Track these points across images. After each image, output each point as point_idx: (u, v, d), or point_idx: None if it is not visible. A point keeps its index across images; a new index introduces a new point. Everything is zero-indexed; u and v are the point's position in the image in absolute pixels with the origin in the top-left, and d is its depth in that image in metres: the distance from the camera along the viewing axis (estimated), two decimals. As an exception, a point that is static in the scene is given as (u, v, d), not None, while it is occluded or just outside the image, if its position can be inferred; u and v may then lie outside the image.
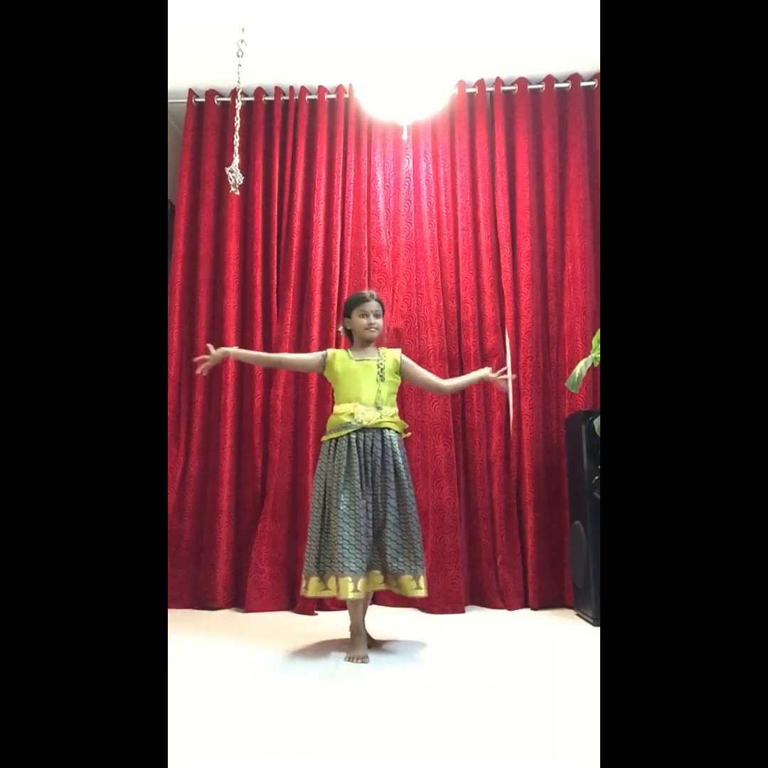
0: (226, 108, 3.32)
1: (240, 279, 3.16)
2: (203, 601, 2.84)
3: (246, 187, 3.17)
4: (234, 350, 2.33)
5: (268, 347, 3.09)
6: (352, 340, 2.31)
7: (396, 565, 2.04)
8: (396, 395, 2.28)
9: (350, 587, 1.96)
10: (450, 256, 3.11)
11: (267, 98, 3.31)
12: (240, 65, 2.23)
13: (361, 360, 2.22)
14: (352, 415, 2.13)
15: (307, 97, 3.28)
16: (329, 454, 2.14)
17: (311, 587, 2.09)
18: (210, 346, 2.29)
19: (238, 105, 2.31)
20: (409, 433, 2.35)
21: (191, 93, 3.30)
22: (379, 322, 2.27)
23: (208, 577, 2.85)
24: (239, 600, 2.85)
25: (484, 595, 2.83)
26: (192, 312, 3.16)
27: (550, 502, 2.91)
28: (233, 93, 3.28)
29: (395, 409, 2.23)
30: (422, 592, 2.05)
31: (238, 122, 2.26)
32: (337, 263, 3.11)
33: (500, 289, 3.08)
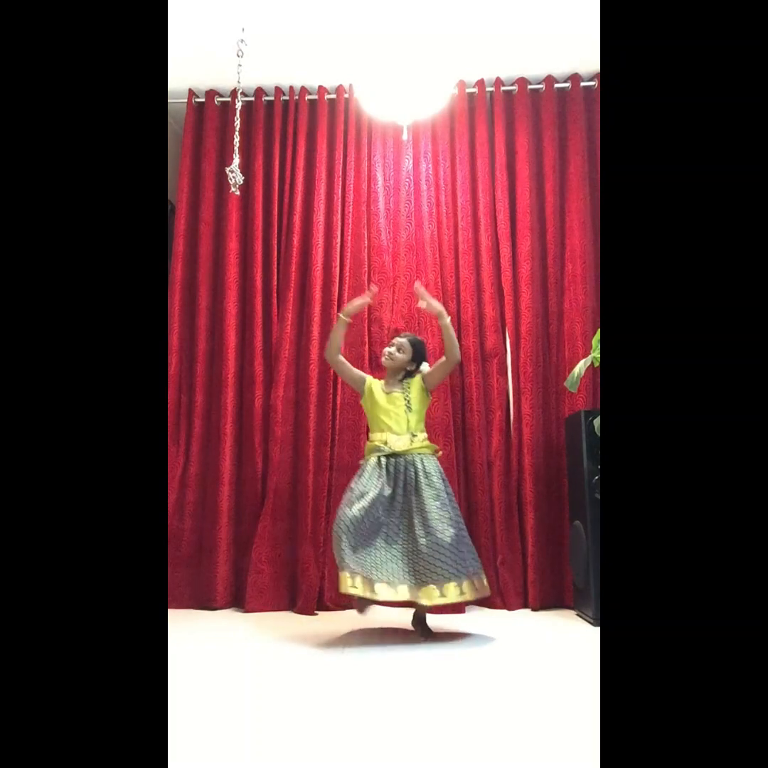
0: (226, 108, 3.32)
1: (240, 279, 3.16)
2: (203, 601, 2.84)
3: (246, 187, 3.17)
4: (343, 317, 2.50)
5: (268, 347, 3.10)
6: (386, 375, 2.54)
7: (440, 575, 2.17)
8: (424, 420, 2.49)
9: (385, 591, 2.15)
10: (450, 256, 3.11)
11: (267, 98, 3.31)
12: (240, 65, 2.23)
13: (390, 393, 2.47)
14: (385, 442, 2.39)
15: (307, 97, 3.28)
16: (361, 471, 2.37)
17: (359, 586, 2.17)
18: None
19: (238, 105, 2.30)
20: (440, 452, 2.52)
21: (191, 93, 3.30)
22: (400, 356, 2.48)
23: (208, 577, 2.85)
24: (239, 600, 2.85)
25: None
26: (192, 312, 3.16)
27: (550, 502, 2.91)
28: (233, 93, 3.28)
29: (424, 434, 2.46)
30: (459, 598, 2.20)
31: (238, 122, 2.26)
32: (337, 263, 3.11)
33: (500, 289, 3.08)
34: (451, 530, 2.23)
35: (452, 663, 1.94)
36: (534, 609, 2.76)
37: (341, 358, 2.52)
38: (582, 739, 1.29)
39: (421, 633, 2.26)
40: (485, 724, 1.40)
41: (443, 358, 2.46)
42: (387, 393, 2.46)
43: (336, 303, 3.06)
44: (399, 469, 2.33)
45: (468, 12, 2.75)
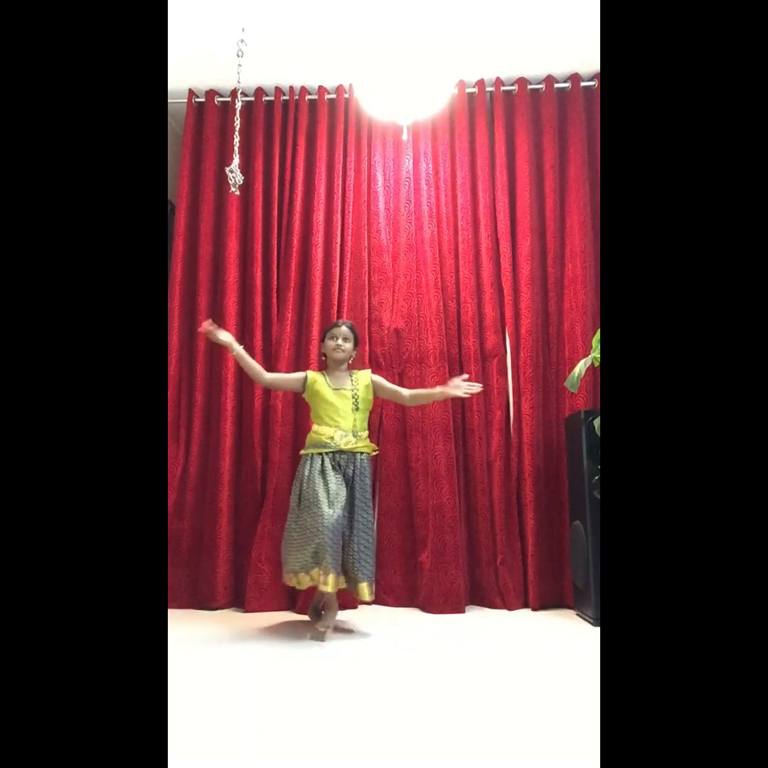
0: (226, 108, 3.32)
1: (240, 279, 3.16)
2: (203, 601, 2.84)
3: (246, 187, 3.17)
4: (237, 350, 2.47)
5: (268, 347, 3.10)
6: (328, 365, 2.57)
7: (356, 571, 2.31)
8: (368, 418, 2.56)
9: (332, 582, 2.24)
10: (450, 256, 3.11)
11: (267, 98, 3.31)
12: (240, 65, 2.23)
13: (339, 390, 2.48)
14: (331, 438, 2.42)
15: (307, 97, 3.28)
16: (308, 466, 2.41)
17: (303, 581, 2.32)
18: (210, 323, 2.47)
19: (238, 105, 2.31)
20: (376, 452, 2.62)
21: (191, 93, 3.30)
22: (348, 345, 2.54)
23: (208, 577, 2.85)
24: (239, 600, 2.85)
25: (484, 595, 2.83)
26: (192, 312, 3.16)
27: (550, 502, 2.91)
28: (233, 93, 3.28)
29: (366, 432, 2.52)
30: (367, 598, 2.33)
31: (238, 122, 2.26)
32: (337, 263, 3.11)
33: (500, 289, 3.08)
34: (372, 532, 2.42)
35: (452, 663, 1.94)
36: (534, 609, 2.76)
37: (270, 377, 2.54)
38: (582, 739, 1.29)
39: (319, 628, 2.26)
40: (485, 724, 1.40)
41: (405, 393, 2.52)
42: (334, 388, 2.48)
43: (336, 303, 3.06)
44: (346, 466, 2.40)
45: (468, 12, 2.75)
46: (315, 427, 2.48)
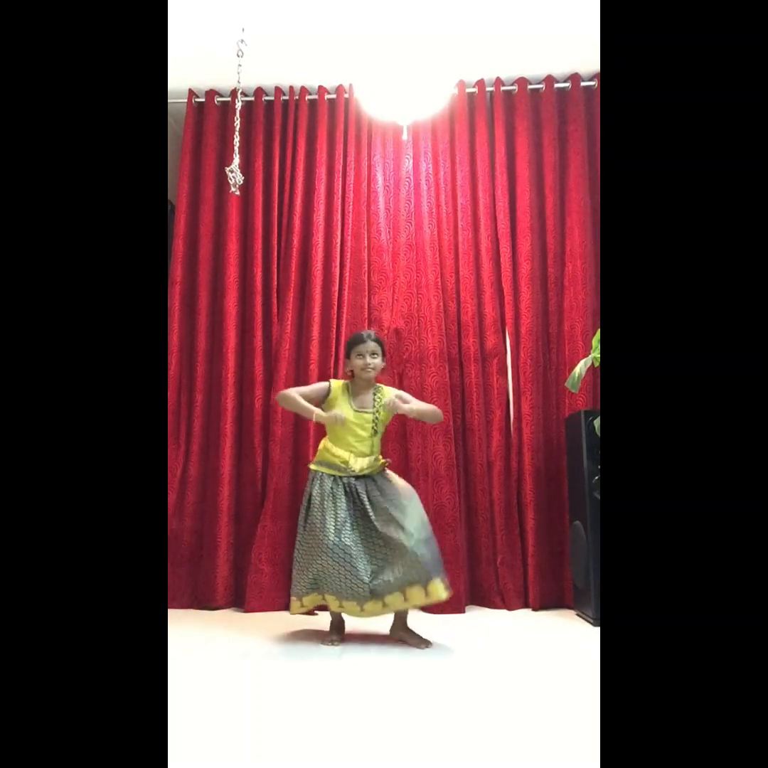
0: (226, 108, 3.32)
1: (240, 279, 3.16)
2: (203, 601, 2.84)
3: (246, 187, 3.17)
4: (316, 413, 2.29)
5: (268, 347, 3.10)
6: (354, 384, 2.39)
7: (417, 574, 2.11)
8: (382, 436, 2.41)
9: (357, 609, 2.15)
10: (450, 256, 3.11)
11: (267, 98, 3.31)
12: (240, 65, 2.22)
13: (360, 411, 2.32)
14: (346, 462, 2.28)
15: (307, 97, 3.28)
16: (318, 486, 2.28)
17: (306, 603, 2.26)
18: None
19: (238, 105, 2.30)
20: (389, 462, 2.44)
21: (191, 93, 3.30)
22: (377, 361, 2.34)
23: (208, 577, 2.85)
24: (239, 600, 2.85)
25: (484, 595, 2.83)
26: (192, 312, 3.16)
27: (550, 502, 2.91)
28: (233, 93, 3.28)
29: (379, 451, 2.38)
30: (444, 596, 2.14)
31: (238, 122, 2.26)
32: (337, 263, 3.11)
33: (500, 289, 3.08)
34: (420, 532, 2.17)
35: (452, 663, 1.94)
36: (534, 609, 2.76)
37: (291, 395, 2.31)
38: (582, 739, 1.29)
39: (416, 642, 2.16)
40: (485, 724, 1.40)
41: (426, 407, 2.38)
42: (356, 409, 2.32)
43: (336, 303, 3.06)
44: (362, 491, 2.25)
45: (468, 12, 2.75)
46: (329, 444, 2.33)
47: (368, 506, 2.23)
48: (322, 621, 2.59)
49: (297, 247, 3.14)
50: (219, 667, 1.90)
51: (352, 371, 2.39)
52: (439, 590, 2.11)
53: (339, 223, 3.15)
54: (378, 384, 2.43)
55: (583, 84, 3.20)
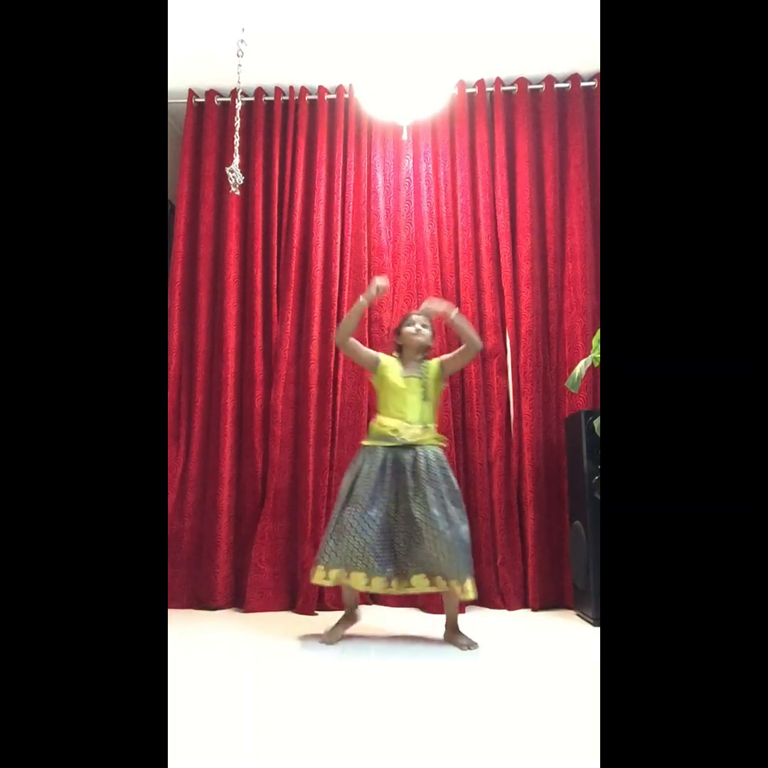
0: (226, 108, 3.32)
1: (240, 279, 3.16)
2: (203, 601, 2.84)
3: (246, 187, 3.17)
4: (363, 302, 2.32)
5: (268, 347, 3.10)
6: (402, 355, 2.42)
7: (446, 569, 2.13)
8: (436, 410, 2.40)
9: (363, 582, 2.14)
10: (450, 256, 3.11)
11: (267, 98, 3.31)
12: (240, 65, 2.23)
13: (409, 377, 2.34)
14: (395, 431, 2.26)
15: (307, 97, 3.28)
16: (367, 459, 2.26)
17: (331, 577, 2.20)
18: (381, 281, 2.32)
19: (238, 105, 2.31)
20: (445, 444, 2.41)
21: (191, 93, 3.29)
22: (427, 331, 2.39)
23: (208, 577, 2.85)
24: (239, 600, 2.84)
25: (484, 595, 2.82)
26: (192, 312, 3.16)
27: (550, 502, 2.91)
28: (233, 93, 3.28)
29: (435, 424, 2.36)
30: (471, 595, 2.14)
31: (238, 122, 2.26)
32: (337, 263, 3.11)
33: (500, 289, 3.08)
34: (457, 526, 2.16)
35: (452, 663, 1.94)
36: (534, 609, 2.76)
37: (352, 340, 2.37)
38: (582, 739, 1.29)
39: (462, 643, 2.13)
40: (485, 724, 1.40)
41: (463, 346, 2.36)
42: (405, 377, 2.34)
43: (336, 303, 3.06)
44: (406, 461, 2.22)
45: (468, 12, 2.75)
46: (379, 417, 2.34)
47: (411, 481, 2.19)
48: (323, 621, 2.59)
49: (297, 247, 3.14)
50: (219, 667, 1.90)
51: (400, 346, 2.43)
52: (468, 589, 2.12)
53: (339, 223, 3.15)
54: (425, 360, 2.43)
55: (583, 84, 3.20)
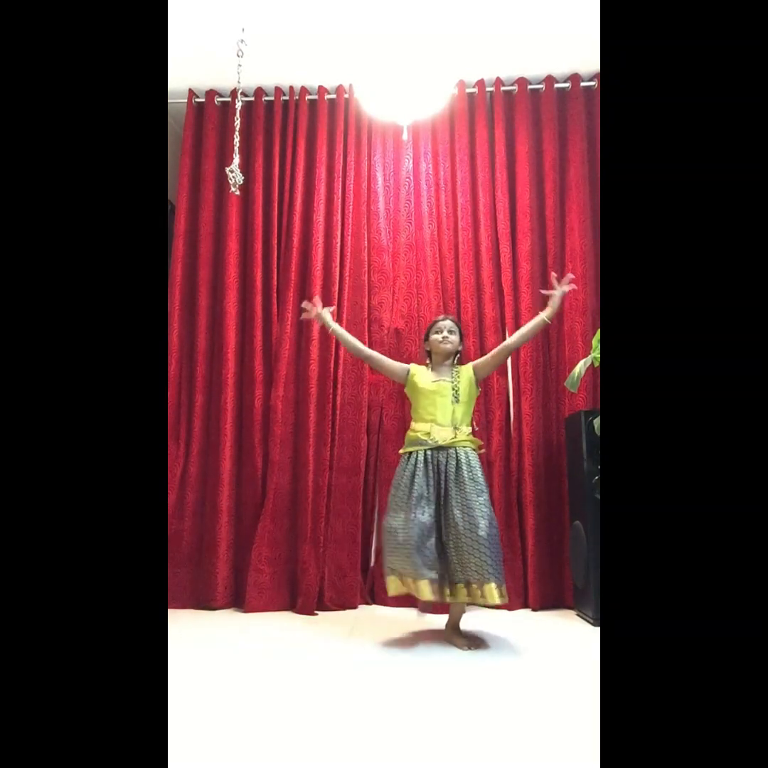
0: (226, 108, 3.32)
1: (240, 279, 3.16)
2: (203, 601, 2.84)
3: (246, 187, 3.17)
4: (336, 328, 2.46)
5: (268, 347, 3.10)
6: (432, 361, 2.45)
7: (483, 574, 2.09)
8: (471, 413, 2.39)
9: (428, 589, 2.09)
10: (450, 256, 3.11)
11: (267, 98, 3.31)
12: (240, 65, 2.22)
13: (438, 380, 2.36)
14: (428, 434, 2.29)
15: (307, 97, 3.28)
16: (404, 465, 2.30)
17: (391, 586, 2.20)
18: (316, 300, 2.47)
19: (238, 105, 2.30)
20: (483, 449, 2.45)
21: (191, 93, 3.30)
22: (454, 337, 2.41)
23: (208, 577, 2.85)
24: (239, 600, 2.85)
25: (484, 595, 2.83)
26: (192, 312, 3.16)
27: (550, 502, 2.91)
28: (233, 93, 3.28)
29: (469, 428, 2.35)
30: (497, 600, 2.09)
31: (238, 122, 2.26)
32: (337, 263, 3.11)
33: (500, 289, 3.08)
34: (489, 528, 2.14)
35: (452, 663, 1.94)
36: (534, 609, 2.76)
37: (373, 355, 2.44)
38: (582, 739, 1.29)
39: (463, 644, 2.13)
40: (485, 724, 1.40)
41: (508, 342, 2.41)
42: (434, 380, 2.36)
43: (336, 303, 3.05)
44: (441, 463, 2.24)
45: (468, 12, 2.75)
46: (413, 424, 2.37)
47: (444, 483, 2.21)
48: (323, 621, 2.59)
49: (297, 247, 3.14)
50: (219, 667, 1.90)
51: (429, 352, 2.46)
52: (493, 594, 2.07)
53: (339, 223, 3.15)
54: (457, 365, 2.43)
55: (583, 84, 3.20)
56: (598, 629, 2.36)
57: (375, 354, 2.48)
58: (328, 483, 2.92)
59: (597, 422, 2.43)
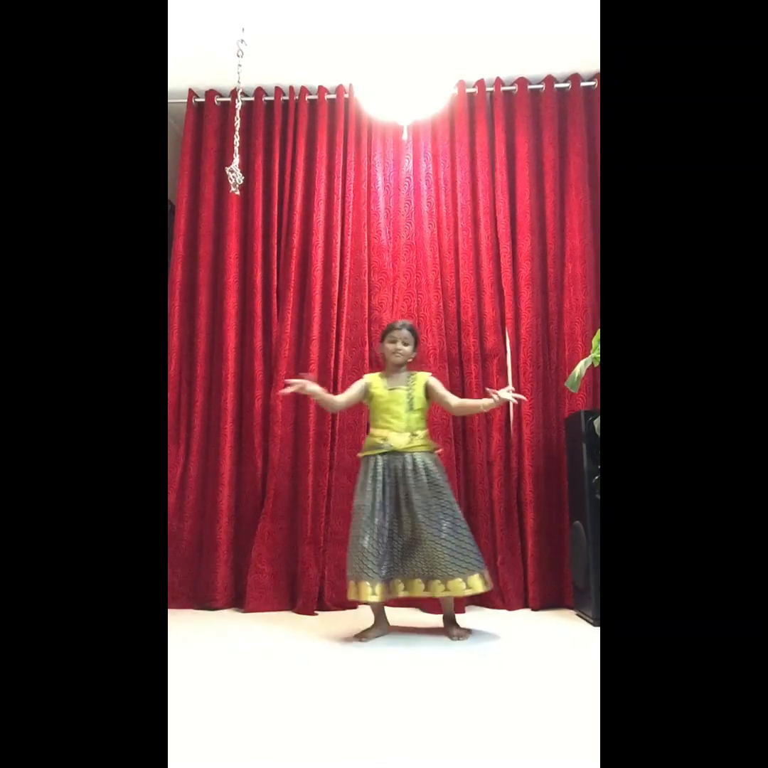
0: (226, 108, 3.32)
1: (240, 279, 3.16)
2: (203, 601, 2.84)
3: (246, 187, 3.17)
4: (317, 390, 2.31)
5: (268, 347, 3.10)
6: (386, 366, 2.51)
7: (446, 570, 2.22)
8: (426, 417, 2.47)
9: (369, 591, 2.22)
10: (450, 256, 3.11)
11: (267, 98, 3.31)
12: (240, 65, 2.23)
13: (394, 389, 2.42)
14: (385, 439, 2.37)
15: (307, 97, 3.28)
16: (364, 470, 2.39)
17: (350, 591, 2.30)
18: (305, 376, 2.36)
19: (238, 105, 2.30)
20: (439, 450, 2.52)
21: (191, 93, 3.30)
22: (407, 349, 2.45)
23: (208, 577, 2.85)
24: (239, 600, 2.85)
25: (484, 595, 2.82)
26: (192, 312, 3.16)
27: (550, 502, 2.91)
28: (233, 93, 3.28)
29: (425, 431, 2.43)
30: (480, 589, 2.26)
31: (238, 122, 2.26)
32: (337, 263, 3.11)
33: (500, 289, 3.08)
34: (447, 524, 2.26)
35: (452, 662, 1.94)
36: (534, 609, 2.76)
37: (341, 400, 2.44)
38: (582, 739, 1.29)
39: (453, 633, 2.25)
40: (485, 724, 1.40)
41: (452, 401, 2.42)
42: (390, 389, 2.42)
43: (336, 303, 3.06)
44: (397, 467, 2.33)
45: (468, 12, 2.75)
46: (371, 430, 2.45)
47: (403, 487, 2.31)
48: (323, 621, 2.59)
49: (297, 247, 3.14)
50: (219, 667, 1.90)
51: (383, 355, 2.51)
52: (474, 584, 2.23)
53: (339, 223, 3.15)
54: (412, 371, 2.50)
55: (583, 84, 3.20)
56: (598, 629, 2.36)
57: (343, 397, 2.46)
58: (328, 483, 2.92)
59: (597, 422, 2.43)
